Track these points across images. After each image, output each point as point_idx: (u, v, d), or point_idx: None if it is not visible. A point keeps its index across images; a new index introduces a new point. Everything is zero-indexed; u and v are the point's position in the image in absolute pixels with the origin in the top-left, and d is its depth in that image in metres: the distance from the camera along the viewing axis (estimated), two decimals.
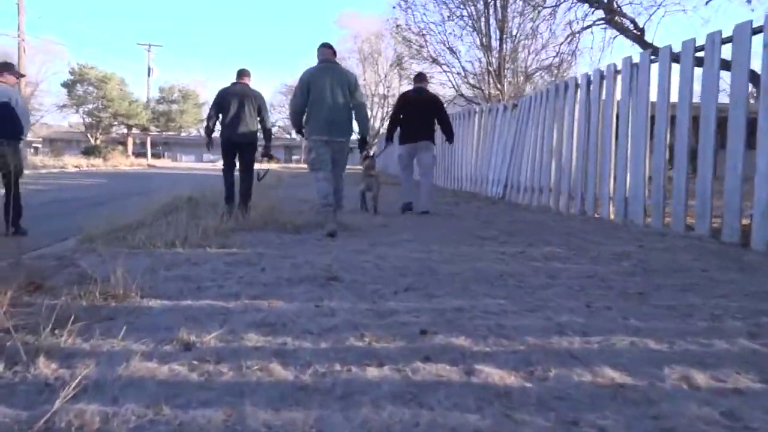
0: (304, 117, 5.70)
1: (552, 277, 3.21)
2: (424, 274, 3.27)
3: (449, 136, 7.29)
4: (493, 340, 2.04)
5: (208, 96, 51.04)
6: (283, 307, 2.52)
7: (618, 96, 6.41)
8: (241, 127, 6.32)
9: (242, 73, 6.59)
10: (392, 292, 2.83)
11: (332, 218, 5.16)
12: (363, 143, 6.62)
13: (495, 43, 12.59)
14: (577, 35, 12.47)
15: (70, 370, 1.71)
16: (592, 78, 6.98)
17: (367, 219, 5.98)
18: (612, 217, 6.37)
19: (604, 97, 6.69)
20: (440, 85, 14.96)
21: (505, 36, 12.42)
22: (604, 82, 6.69)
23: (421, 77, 7.52)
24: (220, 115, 6.43)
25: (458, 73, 13.85)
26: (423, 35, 13.95)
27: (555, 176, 7.70)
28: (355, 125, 5.80)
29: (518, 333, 2.12)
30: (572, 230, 5.39)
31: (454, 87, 14.08)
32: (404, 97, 7.29)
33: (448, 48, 13.60)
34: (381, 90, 38.76)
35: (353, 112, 5.73)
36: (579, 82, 7.30)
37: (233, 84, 6.54)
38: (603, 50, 10.99)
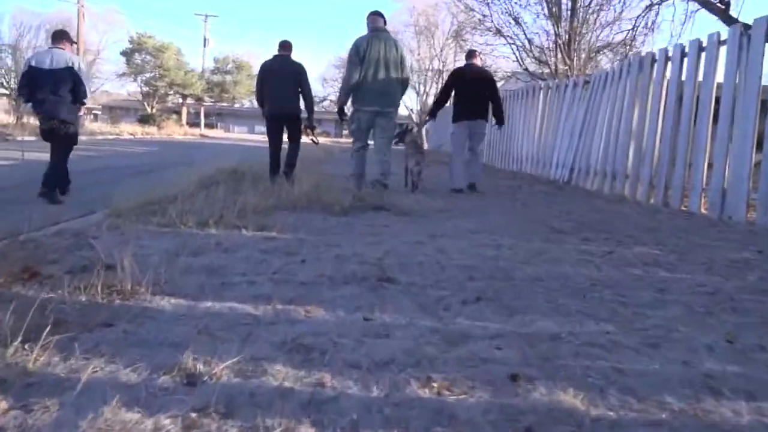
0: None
1: (660, 290, 2.54)
2: (496, 278, 2.67)
3: (500, 116, 7.04)
4: (616, 397, 1.43)
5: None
6: (324, 319, 1.98)
7: (719, 72, 5.52)
8: (282, 100, 6.27)
9: (284, 45, 6.50)
10: (460, 302, 2.25)
11: (360, 187, 5.54)
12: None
13: (566, 14, 11.54)
14: (657, 6, 11.27)
15: (20, 415, 1.22)
16: (687, 50, 6.06)
17: (422, 201, 5.39)
18: (704, 210, 5.54)
19: (701, 72, 5.79)
20: (503, 59, 14.02)
21: (578, 5, 11.33)
22: (703, 54, 5.78)
23: (473, 54, 7.28)
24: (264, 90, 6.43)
25: (522, 46, 12.81)
26: (487, 4, 12.95)
27: (633, 161, 6.86)
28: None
29: (649, 386, 1.50)
30: (661, 225, 4.63)
31: (518, 60, 12.89)
32: (458, 74, 7.04)
33: (513, 18, 12.52)
34: (436, 65, 37.61)
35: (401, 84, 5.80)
36: (670, 54, 6.39)
37: (274, 57, 6.46)
38: (684, 24, 9.66)
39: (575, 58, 11.35)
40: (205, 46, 46.32)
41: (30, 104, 5.58)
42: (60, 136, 5.46)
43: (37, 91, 5.34)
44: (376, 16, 5.67)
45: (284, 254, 2.98)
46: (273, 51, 6.60)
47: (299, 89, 6.36)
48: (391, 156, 5.98)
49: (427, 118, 7.43)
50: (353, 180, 5.84)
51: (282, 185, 5.38)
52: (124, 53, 42.76)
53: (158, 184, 5.24)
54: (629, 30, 11.36)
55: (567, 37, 11.30)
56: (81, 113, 5.82)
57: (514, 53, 12.65)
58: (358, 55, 5.45)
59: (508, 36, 12.42)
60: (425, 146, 7.39)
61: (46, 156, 5.67)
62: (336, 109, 6.52)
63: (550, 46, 12.17)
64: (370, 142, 6.00)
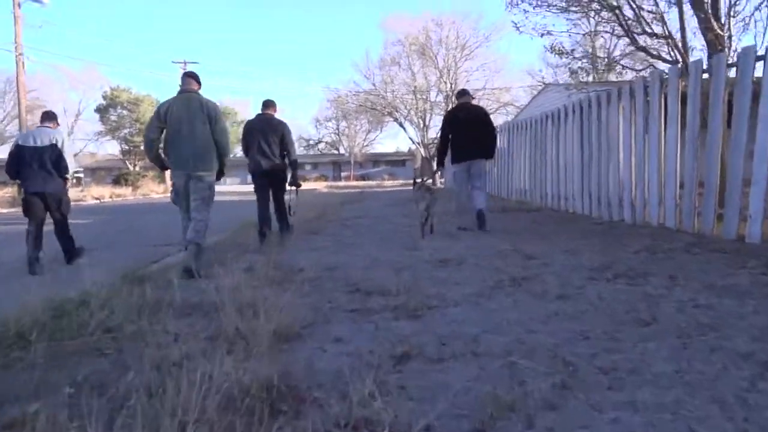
0: None
1: None
2: None
3: (491, 149, 7.45)
4: None
5: (249, 115, 51.28)
6: None
7: None
8: (265, 158, 6.67)
9: (267, 104, 6.99)
10: None
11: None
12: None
13: None
14: None
15: None
16: None
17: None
18: None
19: None
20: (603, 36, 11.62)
21: None
22: None
23: (464, 93, 7.71)
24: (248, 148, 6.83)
25: (628, 20, 9.06)
26: None
27: None
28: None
29: None
30: None
31: (627, 34, 9.17)
32: (451, 117, 7.47)
33: None
34: (433, 96, 37.17)
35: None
36: None
37: (258, 116, 6.98)
38: None
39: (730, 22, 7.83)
40: None
41: (18, 181, 6.27)
42: (53, 211, 6.10)
43: (23, 168, 5.96)
44: (188, 78, 5.57)
45: None
46: (262, 96, 6.51)
47: (283, 148, 6.78)
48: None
49: (435, 169, 8.45)
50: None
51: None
52: (98, 110, 42.69)
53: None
54: None
55: None
56: (67, 186, 6.37)
57: (620, 26, 9.07)
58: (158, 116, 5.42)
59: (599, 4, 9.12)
60: (438, 184, 7.78)
61: None
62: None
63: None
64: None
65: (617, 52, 16.43)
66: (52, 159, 6.01)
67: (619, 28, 8.90)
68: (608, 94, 8.02)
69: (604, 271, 4.12)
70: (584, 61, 10.62)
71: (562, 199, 9.83)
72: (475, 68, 36.22)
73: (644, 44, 8.79)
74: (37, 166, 5.94)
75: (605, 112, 8.04)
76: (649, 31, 8.65)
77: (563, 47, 9.98)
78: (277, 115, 7.03)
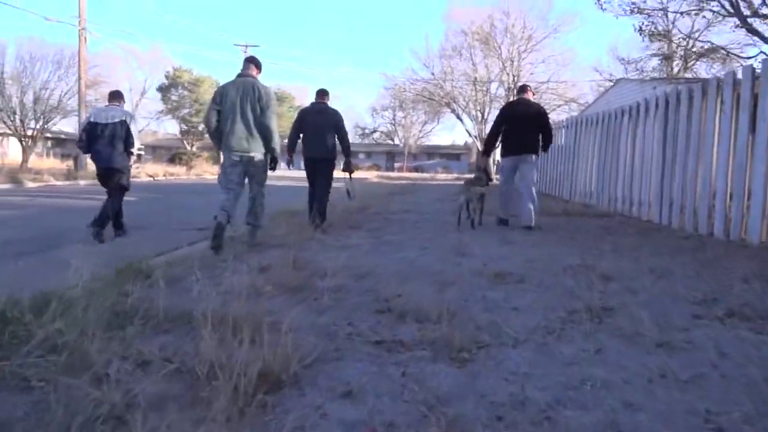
0: None
1: None
2: None
3: (546, 147, 7.33)
4: None
5: (306, 101, 50.91)
6: None
7: None
8: (318, 145, 6.88)
9: (321, 93, 7.21)
10: None
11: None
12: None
13: None
14: None
15: None
16: None
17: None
18: None
19: None
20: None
21: None
22: None
23: (525, 89, 7.64)
24: (301, 135, 7.08)
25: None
26: None
27: None
28: None
29: None
30: None
31: (735, 13, 8.20)
32: (508, 109, 7.51)
33: None
34: (494, 88, 35.75)
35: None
36: None
37: (312, 104, 7.23)
38: None
39: None
40: None
41: (89, 155, 6.73)
42: (115, 183, 6.54)
43: (94, 143, 6.43)
44: (248, 63, 5.70)
45: None
46: (320, 84, 6.43)
47: (335, 135, 6.91)
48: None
49: (483, 159, 8.12)
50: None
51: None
52: (160, 89, 43.26)
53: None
54: None
55: None
56: (131, 161, 6.78)
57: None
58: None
59: None
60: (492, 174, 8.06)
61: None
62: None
63: None
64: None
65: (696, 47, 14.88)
66: (121, 136, 6.44)
67: (728, 5, 7.57)
68: (703, 85, 6.87)
69: (711, 306, 3.15)
70: (681, 45, 9.28)
71: (635, 205, 8.71)
72: (540, 60, 34.69)
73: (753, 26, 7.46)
74: (107, 142, 6.40)
75: (697, 106, 6.90)
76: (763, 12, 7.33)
77: (656, 28, 8.71)
78: (333, 103, 7.24)
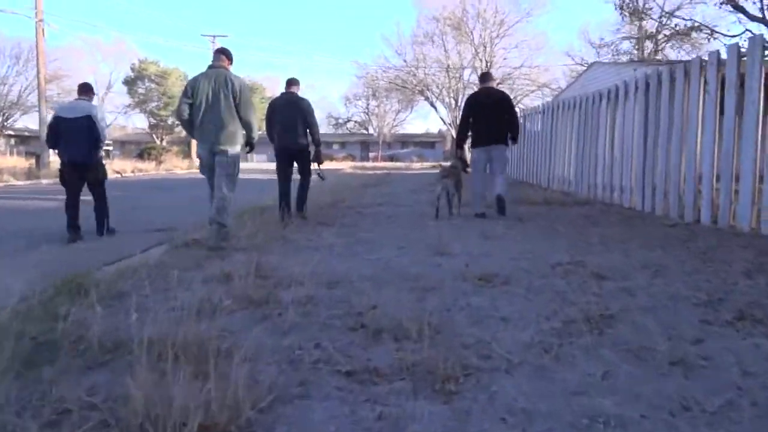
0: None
1: None
2: None
3: (515, 135, 7.30)
4: None
5: (278, 92, 49.56)
6: None
7: None
8: (289, 136, 6.80)
9: (290, 83, 7.09)
10: None
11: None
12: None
13: None
14: None
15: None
16: None
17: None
18: None
19: None
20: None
21: None
22: None
23: (487, 76, 7.64)
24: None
25: None
26: None
27: None
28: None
29: None
30: None
31: None
32: (473, 100, 7.35)
33: None
34: (467, 75, 35.46)
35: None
36: None
37: (282, 94, 7.08)
38: None
39: None
40: None
41: (56, 151, 6.50)
42: (90, 181, 6.39)
43: (61, 138, 6.22)
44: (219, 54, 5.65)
45: None
46: (288, 73, 6.13)
47: (306, 125, 6.82)
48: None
49: (456, 152, 7.89)
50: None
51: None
52: (126, 82, 42.04)
53: None
54: None
55: None
56: (101, 154, 6.62)
57: None
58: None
59: None
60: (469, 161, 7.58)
61: None
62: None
63: None
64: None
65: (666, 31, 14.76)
66: (89, 130, 6.21)
67: None
68: (685, 66, 6.61)
69: (718, 308, 2.86)
70: (662, 23, 9.08)
71: (616, 192, 8.47)
72: (513, 45, 34.48)
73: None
74: (74, 137, 6.18)
75: (680, 88, 6.64)
76: None
77: (637, 5, 8.49)
78: (305, 94, 7.17)
